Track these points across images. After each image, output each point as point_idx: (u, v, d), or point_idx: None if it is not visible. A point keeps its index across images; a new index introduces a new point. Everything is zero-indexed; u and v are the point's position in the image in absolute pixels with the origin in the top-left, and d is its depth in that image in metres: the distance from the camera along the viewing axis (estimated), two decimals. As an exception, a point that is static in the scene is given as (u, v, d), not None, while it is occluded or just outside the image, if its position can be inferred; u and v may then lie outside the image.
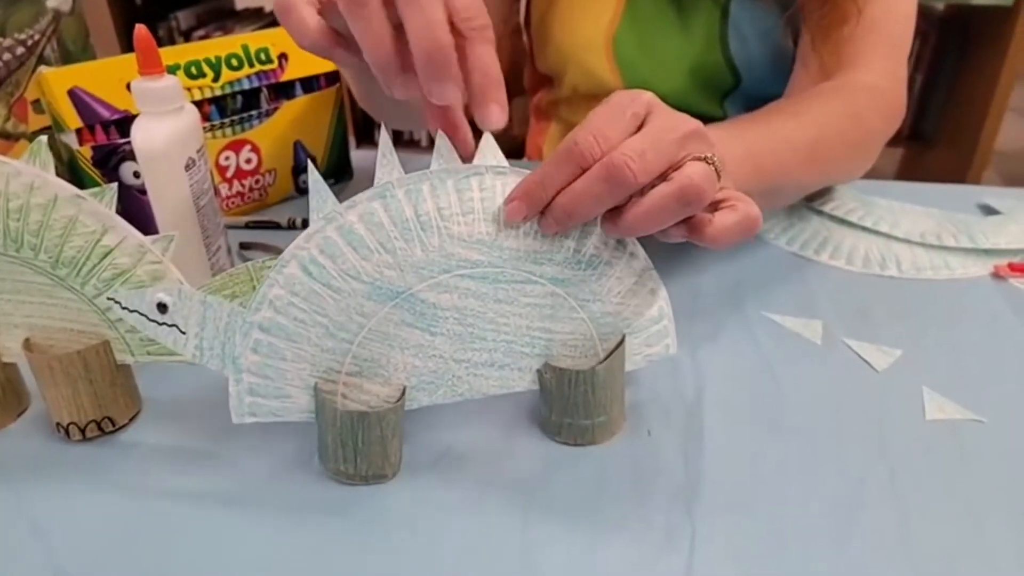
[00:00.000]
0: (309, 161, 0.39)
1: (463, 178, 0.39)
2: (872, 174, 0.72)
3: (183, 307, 0.39)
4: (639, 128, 0.39)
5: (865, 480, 0.42)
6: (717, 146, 0.40)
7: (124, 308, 0.39)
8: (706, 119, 0.82)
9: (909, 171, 2.02)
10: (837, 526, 0.39)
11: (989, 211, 0.70)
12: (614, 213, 0.39)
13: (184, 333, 0.39)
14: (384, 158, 0.39)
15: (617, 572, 0.37)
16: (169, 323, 0.39)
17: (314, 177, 0.38)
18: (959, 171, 1.76)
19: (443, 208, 0.39)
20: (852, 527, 0.39)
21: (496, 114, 0.39)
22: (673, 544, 0.38)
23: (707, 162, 0.38)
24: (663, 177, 0.38)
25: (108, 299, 0.40)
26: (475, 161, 0.40)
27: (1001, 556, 0.37)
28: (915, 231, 0.65)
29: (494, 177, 0.40)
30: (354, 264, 0.39)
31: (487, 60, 0.38)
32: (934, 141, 1.94)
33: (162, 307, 0.39)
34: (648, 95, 0.40)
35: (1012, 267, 0.60)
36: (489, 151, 0.40)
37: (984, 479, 0.42)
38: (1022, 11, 1.57)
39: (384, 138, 0.39)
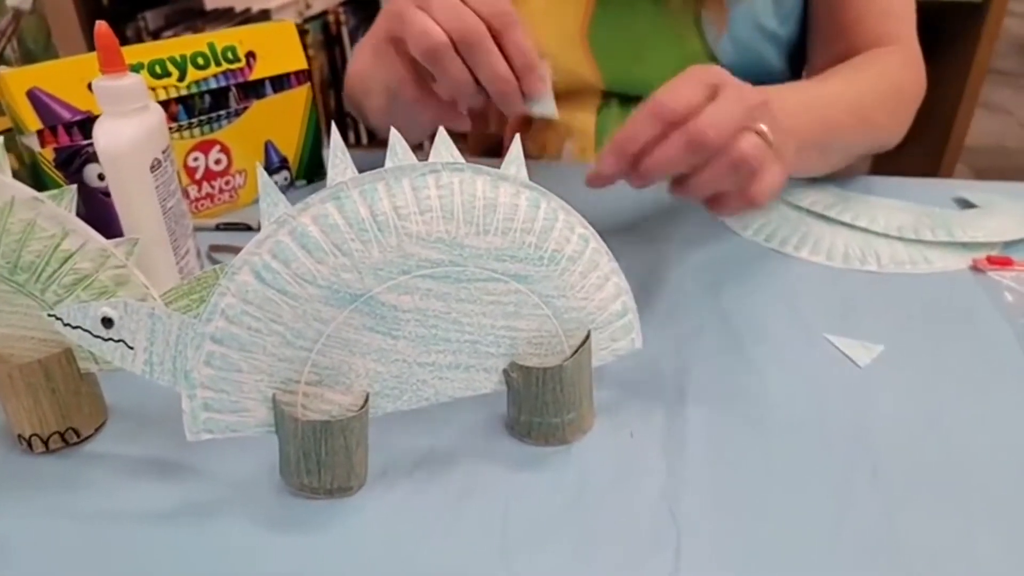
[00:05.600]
0: (258, 164, 0.38)
1: (419, 176, 0.38)
2: (846, 170, 0.72)
3: (129, 321, 0.37)
4: (710, 97, 0.46)
5: (849, 476, 0.41)
6: (779, 113, 0.48)
7: (66, 325, 0.37)
8: None
9: (882, 166, 2.03)
10: (822, 523, 0.38)
11: (965, 204, 0.70)
12: (681, 179, 0.46)
13: (132, 348, 0.37)
14: (336, 158, 0.37)
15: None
16: (116, 338, 0.37)
17: (263, 179, 0.37)
18: (931, 166, 1.78)
19: (400, 207, 0.38)
20: (837, 524, 0.38)
21: (539, 85, 0.51)
22: (659, 545, 0.37)
23: (758, 133, 0.45)
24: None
25: (49, 316, 0.37)
26: (430, 158, 0.39)
27: (986, 550, 0.37)
28: (892, 225, 0.65)
29: (451, 174, 0.39)
30: (309, 268, 0.37)
31: (521, 43, 0.50)
32: (905, 136, 1.95)
33: (107, 322, 0.37)
34: (720, 70, 0.47)
35: (991, 260, 0.60)
36: (444, 147, 0.39)
37: (968, 473, 0.41)
38: (992, 7, 1.58)
39: (335, 138, 0.37)
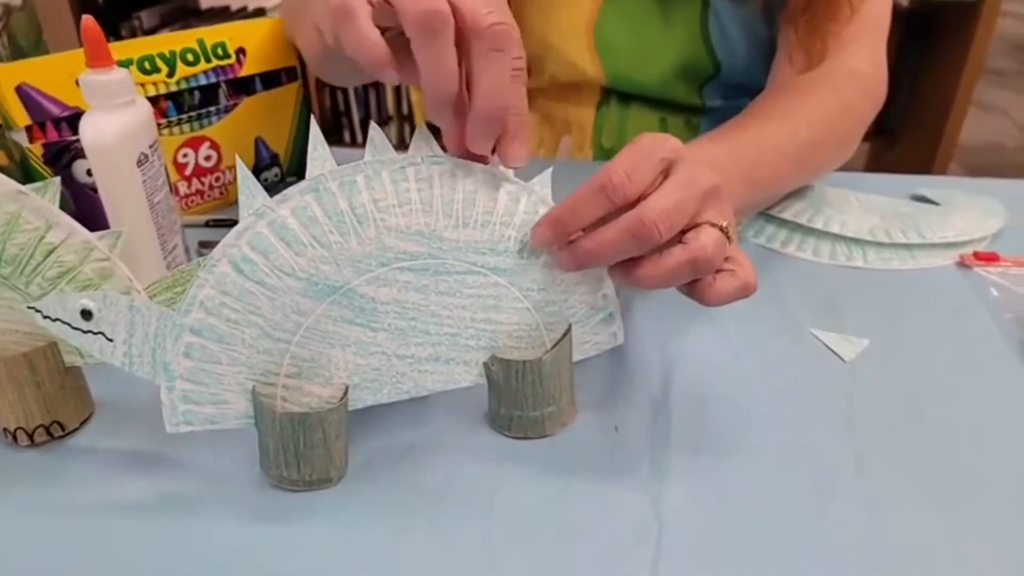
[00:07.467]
0: (237, 156, 0.38)
1: (398, 169, 0.38)
2: (839, 168, 0.72)
3: (109, 313, 0.37)
4: (664, 173, 0.40)
5: (834, 470, 0.41)
6: (726, 187, 0.42)
7: (46, 318, 0.37)
8: (685, 107, 0.83)
9: (875, 165, 2.03)
10: (806, 516, 0.39)
11: (924, 201, 0.70)
12: (627, 265, 0.40)
13: (111, 340, 0.37)
14: (315, 151, 0.37)
15: (584, 569, 0.36)
16: (95, 330, 0.37)
17: (242, 171, 0.37)
18: (924, 164, 1.78)
19: (379, 200, 0.38)
20: (821, 517, 0.39)
21: (520, 152, 0.40)
22: (640, 539, 0.37)
23: (721, 229, 0.40)
24: (680, 232, 0.39)
25: (29, 308, 0.37)
26: (410, 152, 0.39)
27: (968, 541, 0.37)
28: (864, 228, 0.64)
29: (431, 167, 0.39)
30: (288, 260, 0.37)
31: (521, 101, 0.40)
32: (899, 136, 1.96)
33: (86, 314, 0.37)
34: (675, 141, 0.41)
35: (977, 256, 0.60)
36: (423, 141, 0.39)
37: (951, 467, 0.42)
38: (985, 6, 1.59)
39: (315, 131, 0.38)
